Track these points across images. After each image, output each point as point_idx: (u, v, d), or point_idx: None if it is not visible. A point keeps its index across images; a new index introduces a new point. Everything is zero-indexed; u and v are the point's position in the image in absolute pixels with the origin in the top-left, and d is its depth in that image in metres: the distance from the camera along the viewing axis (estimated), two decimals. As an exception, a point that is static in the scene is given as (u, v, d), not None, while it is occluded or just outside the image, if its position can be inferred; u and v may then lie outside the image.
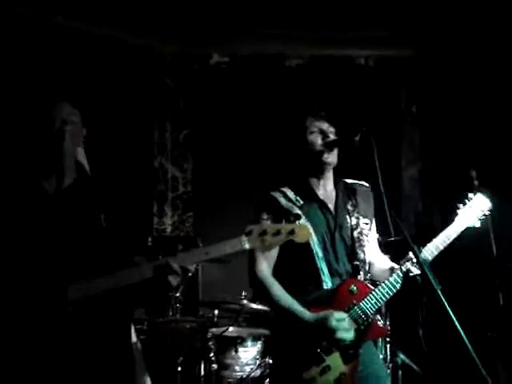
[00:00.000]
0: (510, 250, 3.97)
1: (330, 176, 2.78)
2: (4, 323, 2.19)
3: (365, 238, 2.74)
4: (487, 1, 4.86)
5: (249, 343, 4.11)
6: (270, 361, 3.80)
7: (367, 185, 2.84)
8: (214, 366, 4.05)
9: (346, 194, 2.79)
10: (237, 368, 4.07)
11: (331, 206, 2.73)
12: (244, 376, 3.96)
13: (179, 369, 4.06)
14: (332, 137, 2.69)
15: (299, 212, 2.55)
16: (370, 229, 2.80)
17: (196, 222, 5.81)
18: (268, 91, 5.63)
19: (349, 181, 2.86)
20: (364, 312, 2.57)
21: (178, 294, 4.32)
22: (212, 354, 4.06)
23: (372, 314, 2.59)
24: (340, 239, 2.69)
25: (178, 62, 5.85)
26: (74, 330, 2.24)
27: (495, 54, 5.07)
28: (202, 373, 4.12)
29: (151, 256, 2.47)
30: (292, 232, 2.29)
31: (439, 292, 2.15)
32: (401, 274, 2.61)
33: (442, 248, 2.69)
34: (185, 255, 2.29)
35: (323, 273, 2.61)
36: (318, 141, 2.69)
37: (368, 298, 2.58)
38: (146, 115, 5.73)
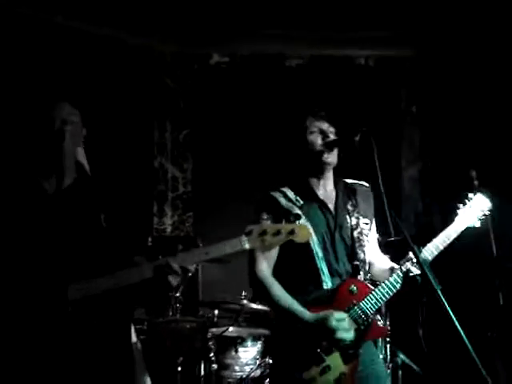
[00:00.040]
0: (510, 250, 3.97)
1: (329, 176, 2.77)
2: (4, 323, 2.19)
3: (365, 237, 2.73)
4: (487, 1, 4.86)
5: (249, 343, 4.11)
6: (270, 361, 3.80)
7: (367, 185, 2.84)
8: (214, 365, 4.05)
9: (346, 193, 2.79)
10: (237, 368, 4.07)
11: (331, 206, 2.73)
12: (244, 376, 3.96)
13: (179, 369, 4.06)
14: (332, 137, 2.69)
15: (299, 212, 2.55)
16: (369, 229, 2.80)
17: (196, 222, 5.81)
18: (268, 91, 5.63)
19: (349, 181, 2.86)
20: (364, 312, 2.56)
21: (177, 294, 4.32)
22: (212, 354, 4.06)
23: (372, 314, 2.59)
24: (340, 239, 2.68)
25: (178, 62, 5.85)
26: (73, 330, 2.24)
27: (495, 54, 5.06)
28: (202, 373, 4.12)
29: (151, 256, 2.47)
30: (292, 232, 2.29)
31: (439, 292, 2.15)
32: (401, 274, 2.61)
33: (441, 248, 2.69)
34: (185, 255, 2.29)
35: (323, 273, 2.61)
36: (318, 141, 2.69)
37: (368, 298, 2.58)
38: (146, 115, 5.73)
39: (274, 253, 2.64)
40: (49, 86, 4.67)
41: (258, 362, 4.01)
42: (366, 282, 2.70)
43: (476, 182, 3.39)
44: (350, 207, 2.76)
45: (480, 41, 5.14)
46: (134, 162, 5.51)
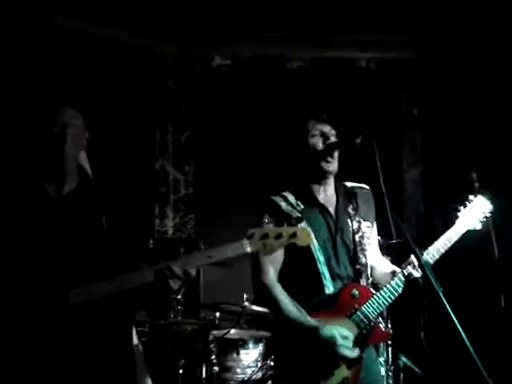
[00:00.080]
0: (512, 252, 3.97)
1: (330, 181, 2.76)
2: (5, 328, 2.19)
3: (366, 241, 2.72)
4: (488, 3, 4.86)
5: (250, 345, 4.10)
6: (272, 363, 3.80)
7: (367, 188, 2.82)
8: (216, 368, 4.04)
9: (347, 197, 2.77)
10: (238, 370, 4.07)
11: (332, 210, 2.72)
12: (245, 378, 3.96)
13: (181, 371, 4.06)
14: (333, 139, 2.68)
15: (300, 216, 2.55)
16: (371, 232, 2.78)
17: (197, 224, 5.80)
18: (269, 93, 5.63)
19: (349, 184, 2.84)
20: (366, 316, 2.55)
21: (179, 297, 4.32)
22: (213, 357, 4.06)
23: (374, 318, 2.57)
24: (341, 243, 2.67)
25: (180, 65, 5.85)
26: (75, 334, 2.24)
27: (496, 57, 5.06)
28: (204, 375, 4.12)
29: (153, 258, 2.47)
30: (294, 235, 2.29)
31: (441, 294, 2.15)
32: (402, 278, 2.60)
33: (443, 251, 2.68)
34: (186, 259, 2.29)
35: (325, 277, 2.59)
36: (320, 144, 2.68)
37: (370, 302, 2.57)
38: (148, 117, 5.73)
39: (280, 257, 2.61)
40: (51, 88, 4.67)
41: (259, 365, 4.01)
42: (368, 286, 2.69)
43: (477, 184, 3.39)
44: (350, 211, 2.74)
45: (481, 43, 5.13)
46: (136, 164, 5.51)
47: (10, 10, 4.80)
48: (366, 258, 2.70)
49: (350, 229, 2.70)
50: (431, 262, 2.64)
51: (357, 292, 2.58)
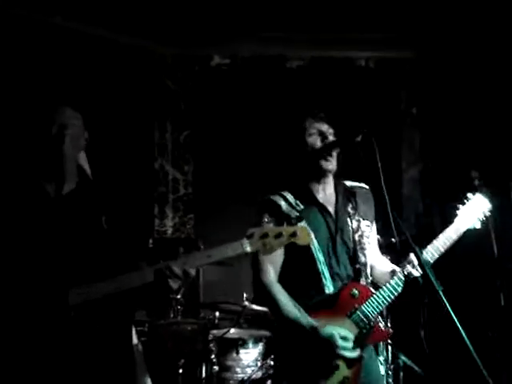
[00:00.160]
0: (511, 251, 3.98)
1: (329, 180, 2.75)
2: (5, 328, 2.19)
3: (366, 240, 2.71)
4: (487, 2, 4.86)
5: (250, 345, 4.10)
6: (272, 362, 3.80)
7: (367, 187, 2.82)
8: (216, 367, 4.04)
9: (346, 196, 2.77)
10: (238, 370, 4.07)
11: (331, 210, 2.71)
12: (245, 378, 3.96)
13: (180, 371, 4.06)
14: (331, 138, 2.68)
15: (300, 215, 2.55)
16: (370, 231, 2.78)
17: (197, 224, 5.80)
18: (269, 93, 5.63)
19: (348, 183, 2.84)
20: (366, 316, 2.55)
21: (179, 296, 4.32)
22: (213, 356, 4.06)
23: (374, 317, 2.57)
24: (341, 242, 2.67)
25: (179, 64, 5.85)
26: (75, 334, 2.24)
27: (495, 56, 5.07)
28: (204, 375, 4.12)
29: (152, 257, 2.47)
30: (294, 234, 2.28)
31: (440, 293, 2.15)
32: (402, 277, 2.60)
33: (443, 250, 2.66)
34: (186, 258, 2.29)
35: (325, 277, 2.59)
36: (317, 142, 2.67)
37: (369, 301, 2.57)
38: (147, 117, 5.73)
39: (280, 257, 2.61)
40: (50, 88, 4.67)
41: (259, 364, 4.01)
42: (368, 285, 2.69)
43: (477, 182, 3.39)
44: (350, 210, 2.74)
45: (480, 42, 5.14)
46: (135, 164, 5.51)
47: (9, 11, 4.80)
48: (365, 257, 2.70)
49: (350, 228, 2.70)
50: (431, 261, 2.63)
51: (356, 291, 2.58)
